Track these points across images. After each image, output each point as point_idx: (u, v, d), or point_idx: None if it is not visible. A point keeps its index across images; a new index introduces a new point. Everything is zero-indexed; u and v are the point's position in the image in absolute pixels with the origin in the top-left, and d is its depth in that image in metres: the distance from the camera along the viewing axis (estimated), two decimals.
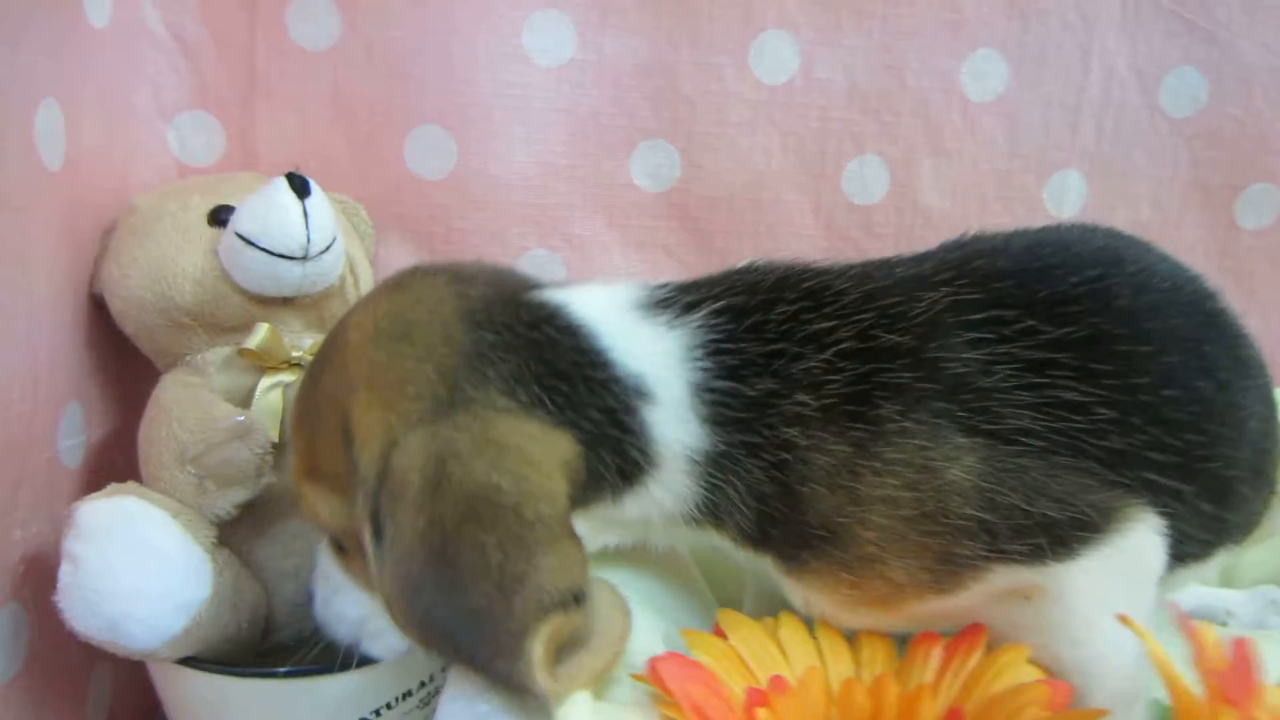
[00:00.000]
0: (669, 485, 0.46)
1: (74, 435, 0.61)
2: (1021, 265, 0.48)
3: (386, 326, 0.44)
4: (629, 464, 0.45)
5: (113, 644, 0.52)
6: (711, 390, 0.45)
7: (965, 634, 0.44)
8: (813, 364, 0.45)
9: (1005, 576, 0.43)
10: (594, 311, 0.46)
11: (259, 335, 0.60)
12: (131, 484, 0.56)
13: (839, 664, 0.45)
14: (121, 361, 0.66)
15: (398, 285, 0.47)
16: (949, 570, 0.44)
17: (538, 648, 0.38)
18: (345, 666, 0.54)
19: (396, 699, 0.60)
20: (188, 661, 0.55)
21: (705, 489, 0.45)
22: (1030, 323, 0.45)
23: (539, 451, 0.42)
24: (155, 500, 0.54)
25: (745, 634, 0.45)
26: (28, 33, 0.54)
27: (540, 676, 0.38)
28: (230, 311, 0.61)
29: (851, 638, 0.46)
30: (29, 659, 0.55)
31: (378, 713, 0.59)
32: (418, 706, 0.61)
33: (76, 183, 0.60)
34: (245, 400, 0.61)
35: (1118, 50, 0.82)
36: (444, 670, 0.62)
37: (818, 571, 0.45)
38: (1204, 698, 0.34)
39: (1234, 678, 0.32)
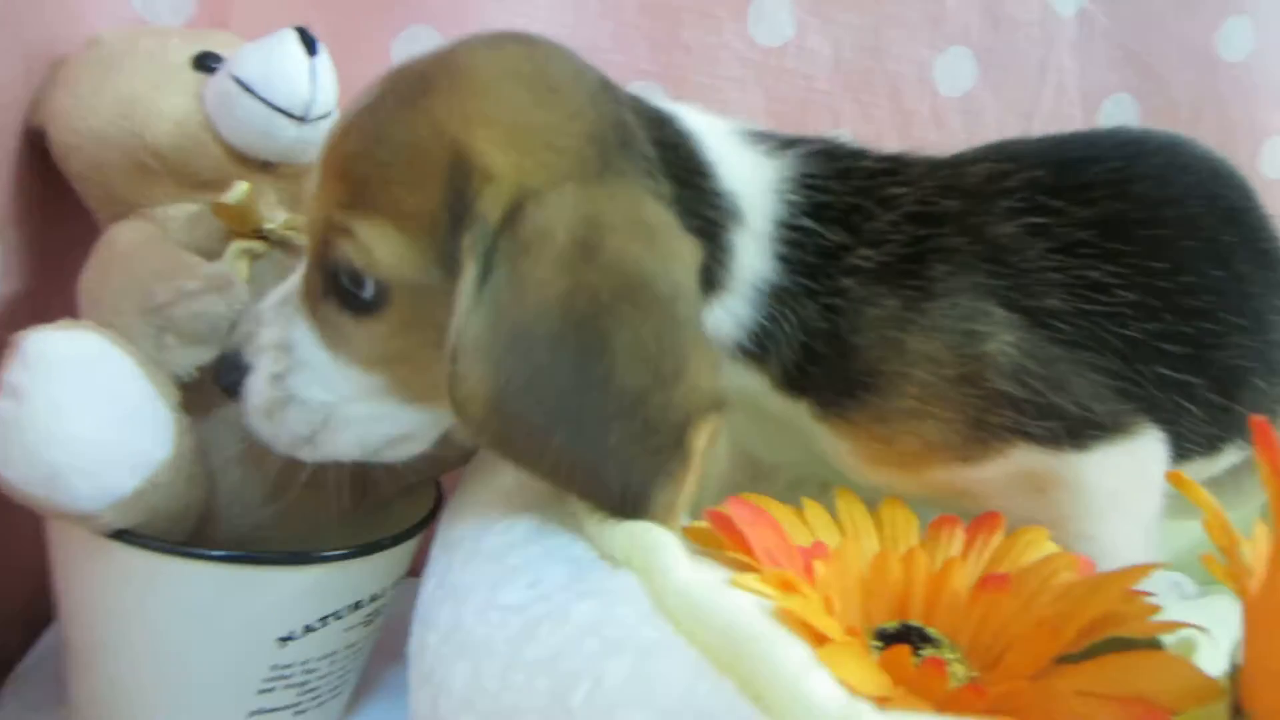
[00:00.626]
0: (732, 309, 0.46)
1: None
2: (1053, 155, 0.51)
3: (528, 71, 0.42)
4: (707, 282, 0.44)
5: (45, 500, 0.44)
6: (792, 228, 0.46)
7: (984, 518, 0.44)
8: (881, 223, 0.47)
9: (1024, 456, 0.45)
10: (702, 127, 0.47)
11: (238, 191, 0.54)
12: (89, 323, 0.48)
13: (867, 540, 0.43)
14: (51, 207, 0.59)
15: (517, 38, 0.45)
16: (978, 438, 0.45)
17: (700, 441, 0.36)
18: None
19: (345, 609, 0.54)
20: (120, 535, 0.47)
21: (763, 319, 0.46)
22: (1059, 203, 0.48)
23: (685, 250, 0.41)
24: (120, 344, 0.47)
25: (778, 509, 0.43)
26: None
27: (688, 481, 0.36)
28: (207, 163, 0.55)
29: (875, 517, 0.45)
30: None
31: (323, 620, 0.52)
32: (363, 623, 0.56)
33: (22, 19, 0.54)
34: None
35: (1069, 68, 0.88)
36: (393, 586, 0.57)
37: (853, 421, 0.47)
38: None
39: None
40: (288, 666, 0.51)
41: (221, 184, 0.55)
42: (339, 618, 0.53)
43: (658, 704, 0.25)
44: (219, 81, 0.54)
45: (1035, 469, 0.46)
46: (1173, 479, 0.38)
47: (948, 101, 0.85)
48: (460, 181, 0.40)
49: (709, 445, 0.38)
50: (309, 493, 0.51)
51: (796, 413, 0.48)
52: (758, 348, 0.47)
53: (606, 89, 0.45)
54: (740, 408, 0.47)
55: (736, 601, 0.30)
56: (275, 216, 0.57)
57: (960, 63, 0.85)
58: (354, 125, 0.43)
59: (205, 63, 0.56)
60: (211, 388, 0.52)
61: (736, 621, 0.27)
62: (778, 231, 0.46)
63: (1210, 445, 0.51)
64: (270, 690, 0.51)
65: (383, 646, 0.60)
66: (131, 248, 0.52)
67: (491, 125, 0.40)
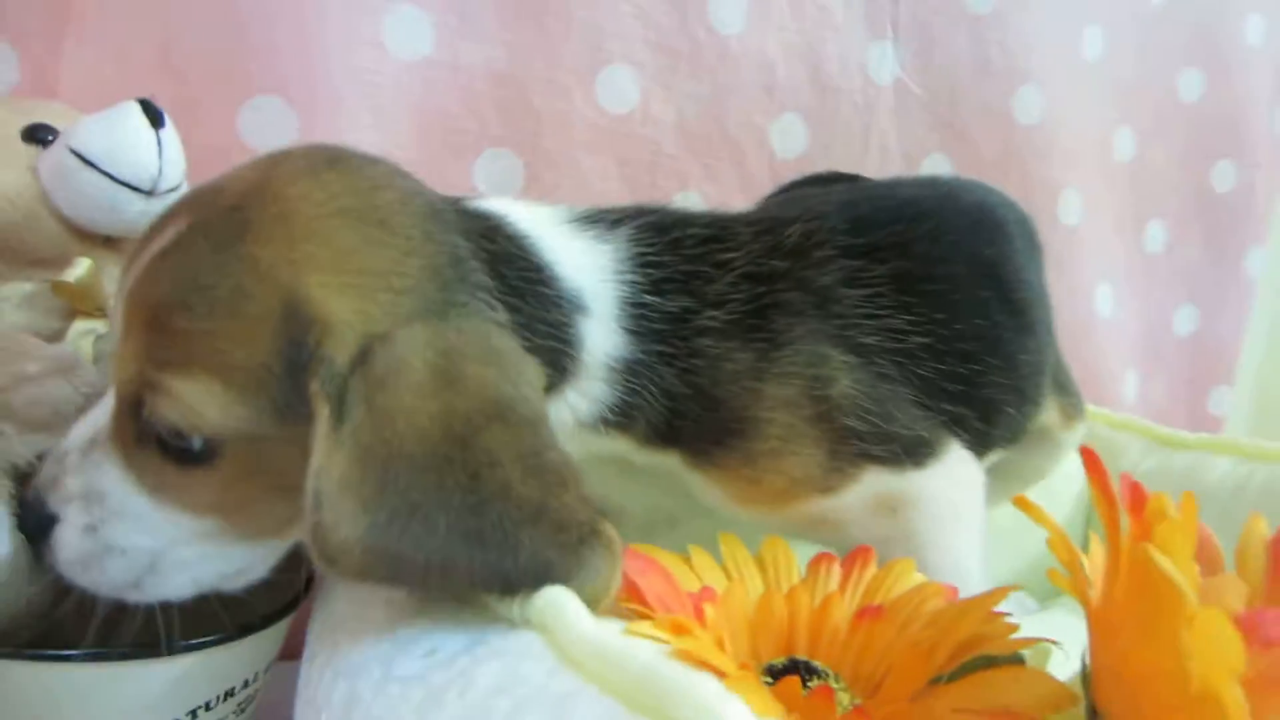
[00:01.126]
0: (587, 391, 0.48)
1: None
2: (849, 213, 0.57)
3: (355, 205, 0.41)
4: (557, 373, 0.46)
5: None
6: (636, 305, 0.49)
7: (857, 552, 0.48)
8: (720, 285, 0.51)
9: (875, 480, 0.51)
10: (532, 224, 0.48)
11: (81, 270, 0.52)
12: None
13: (752, 581, 0.46)
14: None
15: (335, 161, 0.43)
16: (834, 468, 0.51)
17: (609, 534, 0.37)
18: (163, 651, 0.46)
19: (217, 698, 0.51)
20: None
21: (621, 393, 0.48)
22: (860, 261, 0.54)
23: (532, 372, 0.42)
24: None
25: (666, 559, 0.45)
26: None
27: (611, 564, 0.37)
28: (42, 240, 0.53)
29: (758, 558, 0.48)
30: None
31: (192, 714, 0.49)
32: (235, 711, 0.53)
33: None
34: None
35: (890, 132, 0.96)
36: (266, 671, 0.55)
37: (723, 466, 0.50)
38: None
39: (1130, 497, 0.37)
40: None
41: (59, 260, 0.53)
42: (209, 709, 0.50)
43: None
44: (56, 154, 0.52)
45: (886, 491, 0.52)
46: (1018, 503, 0.43)
47: (784, 163, 0.91)
48: (297, 332, 0.38)
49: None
50: None
51: (667, 463, 0.51)
52: (622, 417, 0.49)
53: (434, 213, 0.44)
54: (600, 464, 0.49)
55: (641, 646, 0.31)
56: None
57: (793, 127, 0.92)
58: (163, 269, 0.40)
59: (37, 135, 0.54)
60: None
61: (650, 663, 0.28)
62: (623, 311, 0.49)
63: (983, 454, 0.58)
64: None
65: None
66: None
67: (325, 271, 0.39)
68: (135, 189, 0.53)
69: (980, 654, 0.39)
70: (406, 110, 0.75)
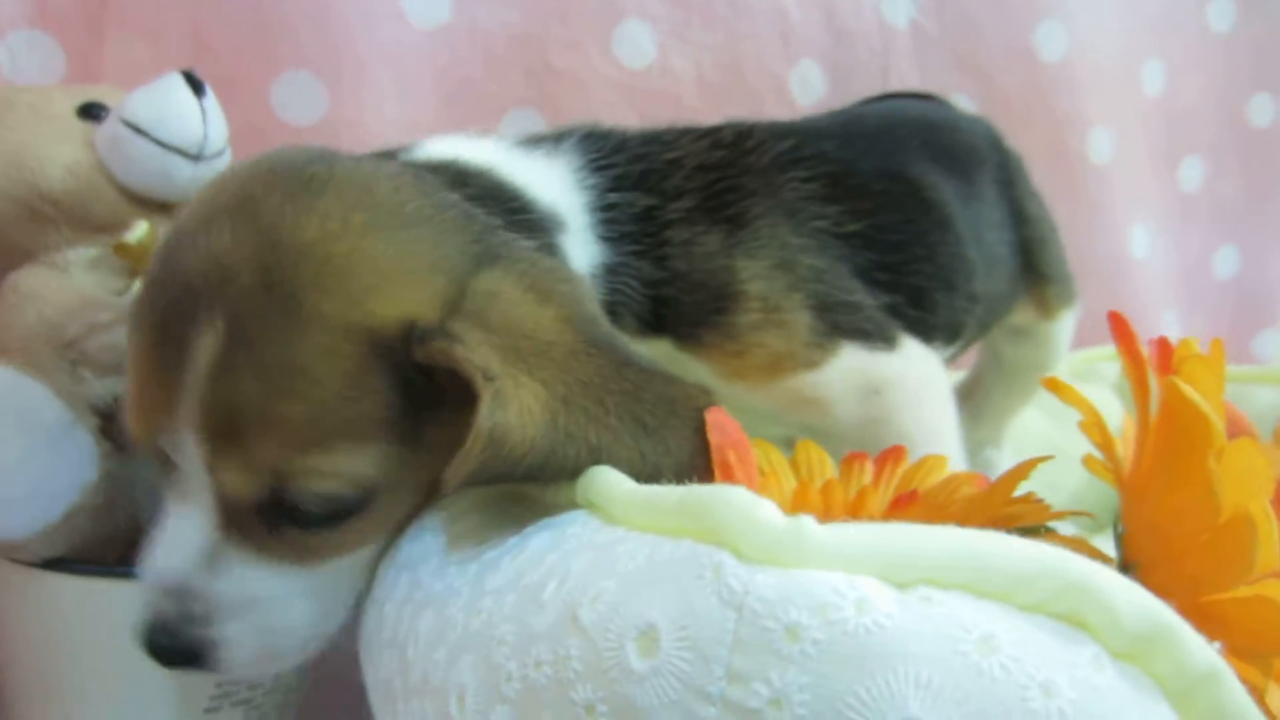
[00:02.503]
0: None
1: None
2: (767, 126, 0.62)
3: (367, 221, 0.41)
4: None
5: None
6: (604, 209, 0.53)
7: (890, 451, 0.49)
8: (676, 180, 0.55)
9: (853, 357, 0.55)
10: (488, 159, 0.51)
11: (139, 230, 0.55)
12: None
13: (786, 479, 0.47)
14: None
15: (315, 187, 0.42)
16: (814, 342, 0.54)
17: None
18: None
19: None
20: (53, 564, 0.47)
21: (607, 294, 0.52)
22: (793, 161, 0.59)
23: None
24: (33, 374, 0.47)
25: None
26: None
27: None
28: (104, 207, 0.56)
29: (791, 461, 0.49)
30: None
31: None
32: None
33: None
34: None
35: (909, 74, 0.96)
36: None
37: (710, 344, 0.54)
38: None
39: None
40: (234, 683, 0.50)
41: (117, 227, 0.56)
42: None
43: (623, 569, 0.28)
44: (110, 127, 0.56)
45: (865, 370, 0.56)
46: (1049, 384, 0.44)
47: (805, 110, 0.92)
48: (391, 353, 0.39)
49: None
50: None
51: (659, 350, 0.54)
52: (610, 314, 0.50)
53: (419, 182, 0.45)
54: None
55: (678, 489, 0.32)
56: None
57: (811, 74, 0.92)
58: (235, 374, 0.39)
59: (91, 112, 0.57)
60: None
61: (687, 494, 0.30)
62: (594, 217, 0.52)
63: (924, 343, 0.62)
64: (216, 710, 0.51)
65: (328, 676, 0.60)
66: (37, 290, 0.53)
67: (382, 290, 0.40)
68: (184, 153, 0.56)
69: (1014, 529, 0.40)
70: (430, 77, 0.78)
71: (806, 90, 0.92)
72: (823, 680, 0.25)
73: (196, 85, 0.57)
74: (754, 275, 0.54)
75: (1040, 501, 0.42)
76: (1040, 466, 0.51)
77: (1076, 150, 1.03)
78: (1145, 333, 1.14)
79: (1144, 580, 0.36)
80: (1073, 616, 0.27)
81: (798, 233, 0.56)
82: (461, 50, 0.79)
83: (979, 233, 0.67)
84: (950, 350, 0.67)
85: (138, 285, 0.55)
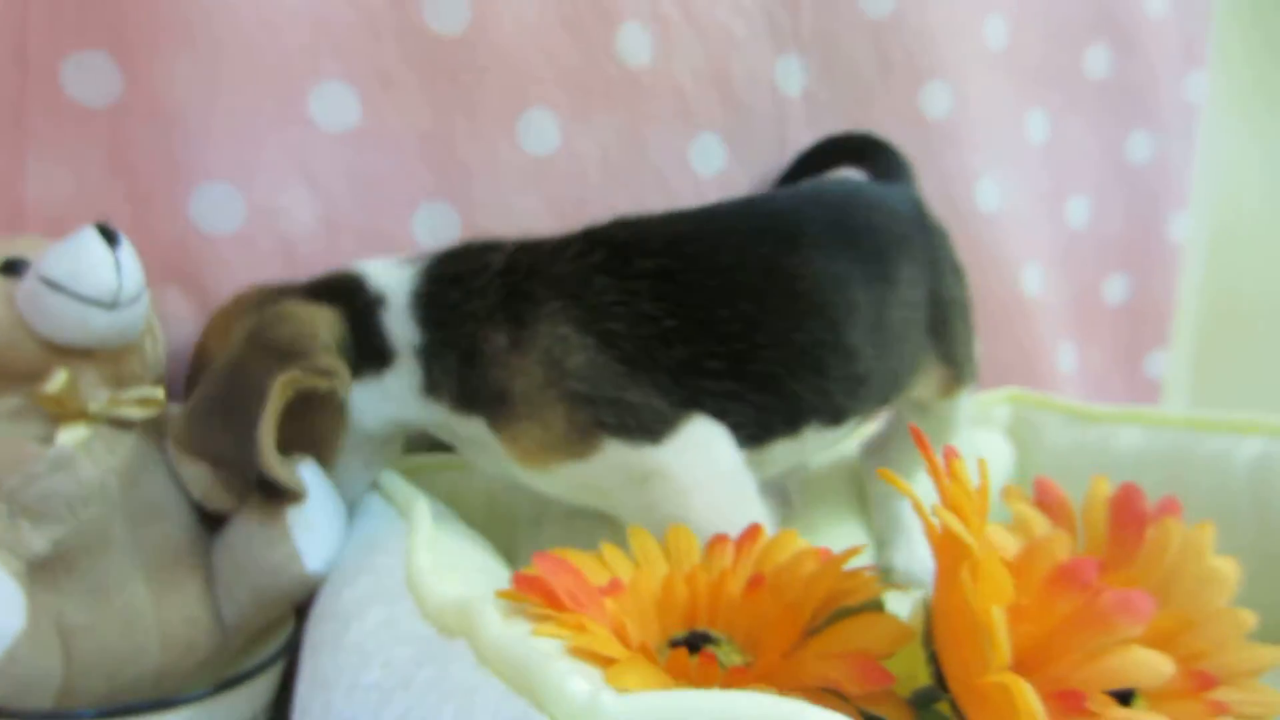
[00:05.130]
0: (403, 370, 0.67)
1: None
2: (635, 224, 0.70)
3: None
4: (380, 357, 0.67)
5: None
6: (422, 297, 0.67)
7: (748, 531, 0.55)
8: (482, 280, 0.65)
9: (616, 452, 0.61)
10: (377, 272, 0.70)
11: (58, 380, 0.59)
12: None
13: (657, 567, 0.52)
14: None
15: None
16: (575, 436, 0.61)
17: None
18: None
19: None
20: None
21: (424, 370, 0.66)
22: (619, 261, 0.65)
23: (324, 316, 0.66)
24: None
25: (578, 556, 0.52)
26: None
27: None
28: (25, 360, 0.59)
29: (663, 546, 0.55)
30: None
31: None
32: None
33: None
34: None
35: (805, 139, 1.02)
36: (265, 712, 0.62)
37: (499, 429, 0.64)
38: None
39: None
40: None
41: (42, 374, 0.59)
42: None
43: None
44: (29, 283, 0.59)
45: (630, 463, 0.61)
46: (882, 474, 0.50)
47: (706, 181, 0.98)
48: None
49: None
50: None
51: (474, 427, 0.65)
52: (432, 388, 0.66)
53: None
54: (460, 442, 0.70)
55: (536, 645, 0.39)
56: (98, 396, 0.62)
57: (711, 147, 0.98)
58: None
59: (14, 268, 0.61)
60: (60, 560, 0.56)
61: (529, 656, 0.37)
62: (415, 303, 0.66)
63: (788, 428, 0.68)
64: None
65: None
66: None
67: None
68: (99, 304, 0.59)
69: (842, 606, 0.46)
70: (342, 179, 0.82)
71: (708, 162, 0.98)
72: None
73: (110, 236, 0.60)
74: (521, 371, 0.62)
75: (871, 578, 0.48)
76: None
77: (965, 200, 1.09)
78: (1046, 363, 1.22)
79: (941, 659, 0.43)
80: None
81: (582, 333, 0.62)
82: (370, 153, 0.83)
83: (879, 314, 0.71)
84: (842, 428, 0.72)
85: (62, 432, 0.59)
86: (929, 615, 0.45)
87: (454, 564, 0.55)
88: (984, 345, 0.87)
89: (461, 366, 0.64)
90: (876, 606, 0.47)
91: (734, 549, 0.54)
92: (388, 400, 0.67)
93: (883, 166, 0.94)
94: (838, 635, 0.45)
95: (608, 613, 0.46)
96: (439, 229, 0.87)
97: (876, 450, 0.91)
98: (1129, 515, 0.52)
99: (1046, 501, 0.56)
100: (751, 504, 0.63)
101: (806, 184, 0.87)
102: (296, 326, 0.64)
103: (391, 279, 0.68)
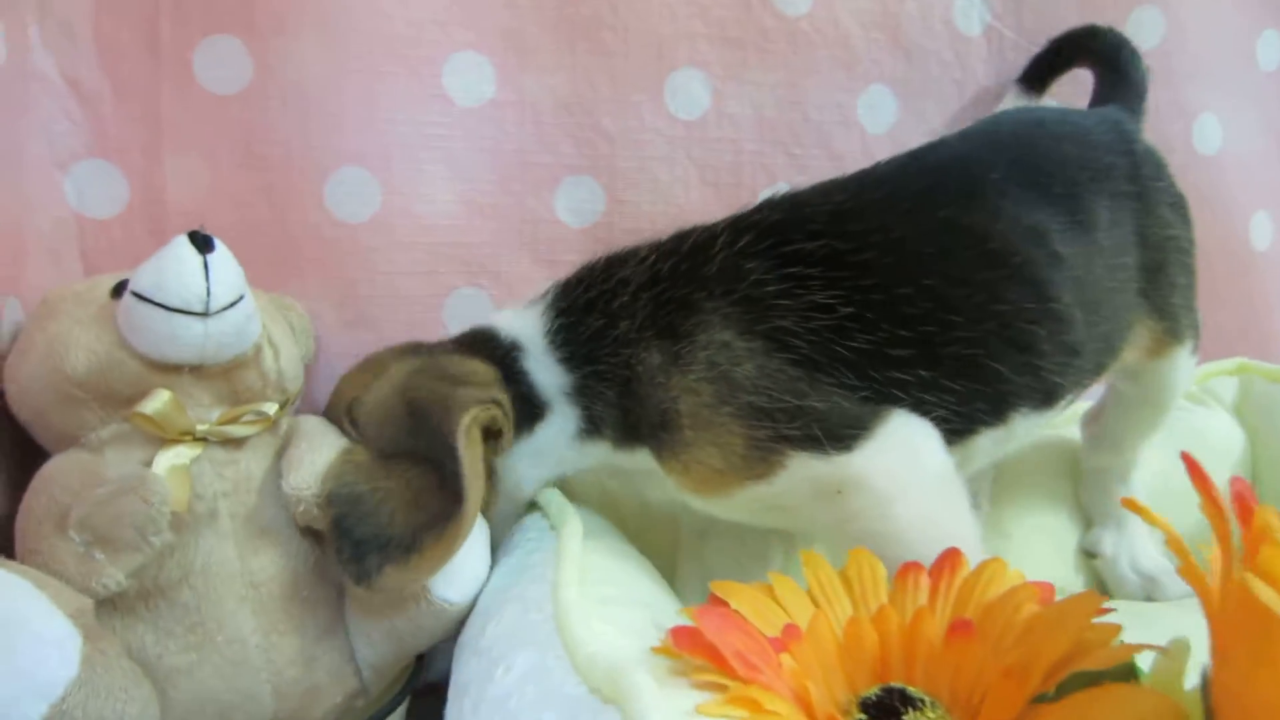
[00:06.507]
0: (555, 420, 0.60)
1: None
2: (788, 202, 0.61)
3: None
4: (531, 414, 0.60)
5: None
6: (552, 331, 0.60)
7: (943, 557, 0.46)
8: (624, 298, 0.58)
9: (802, 466, 0.52)
10: (507, 323, 0.63)
11: (156, 400, 0.54)
12: None
13: (838, 606, 0.44)
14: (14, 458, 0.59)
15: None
16: (756, 455, 0.53)
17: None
18: None
19: None
20: None
21: (580, 411, 0.59)
22: (789, 246, 0.56)
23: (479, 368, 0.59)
24: (9, 566, 0.47)
25: (745, 596, 0.44)
26: None
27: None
28: (127, 380, 0.55)
29: (842, 574, 0.47)
30: None
31: None
32: None
33: None
34: None
35: (986, 83, 0.90)
36: None
37: (665, 457, 0.56)
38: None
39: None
40: None
41: (144, 397, 0.55)
42: None
43: None
44: (124, 300, 0.55)
45: (818, 475, 0.52)
46: (1127, 504, 0.40)
47: (876, 139, 0.87)
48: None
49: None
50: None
51: (640, 459, 0.58)
52: (593, 427, 0.59)
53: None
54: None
55: None
56: (210, 415, 0.57)
57: (880, 99, 0.87)
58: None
59: (120, 290, 0.57)
60: (151, 594, 0.52)
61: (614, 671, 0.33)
62: (552, 343, 0.60)
63: (993, 416, 0.57)
64: None
65: None
66: (53, 472, 0.53)
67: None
68: (188, 312, 0.54)
69: (1080, 670, 0.37)
70: (480, 155, 0.77)
71: (877, 117, 0.87)
72: None
73: (203, 242, 0.55)
74: (684, 390, 0.54)
75: (1110, 629, 0.38)
76: (1155, 504, 0.47)
77: (1182, 140, 0.94)
78: (1274, 328, 1.05)
79: None
80: None
81: (746, 336, 0.54)
82: (509, 126, 0.77)
83: (1085, 270, 0.60)
84: (1053, 410, 0.61)
85: (159, 455, 0.55)
86: (1209, 695, 0.35)
87: (605, 595, 0.48)
88: (1205, 309, 0.74)
89: (622, 398, 0.57)
90: (1128, 673, 0.37)
91: (929, 580, 0.46)
92: (540, 460, 0.61)
93: (1111, 74, 0.81)
94: (1078, 709, 0.36)
95: (785, 674, 0.39)
96: (583, 205, 0.80)
97: (1091, 422, 0.80)
98: None
99: None
100: (965, 513, 0.54)
101: (976, 123, 0.74)
102: (463, 365, 0.58)
103: (521, 324, 0.62)
